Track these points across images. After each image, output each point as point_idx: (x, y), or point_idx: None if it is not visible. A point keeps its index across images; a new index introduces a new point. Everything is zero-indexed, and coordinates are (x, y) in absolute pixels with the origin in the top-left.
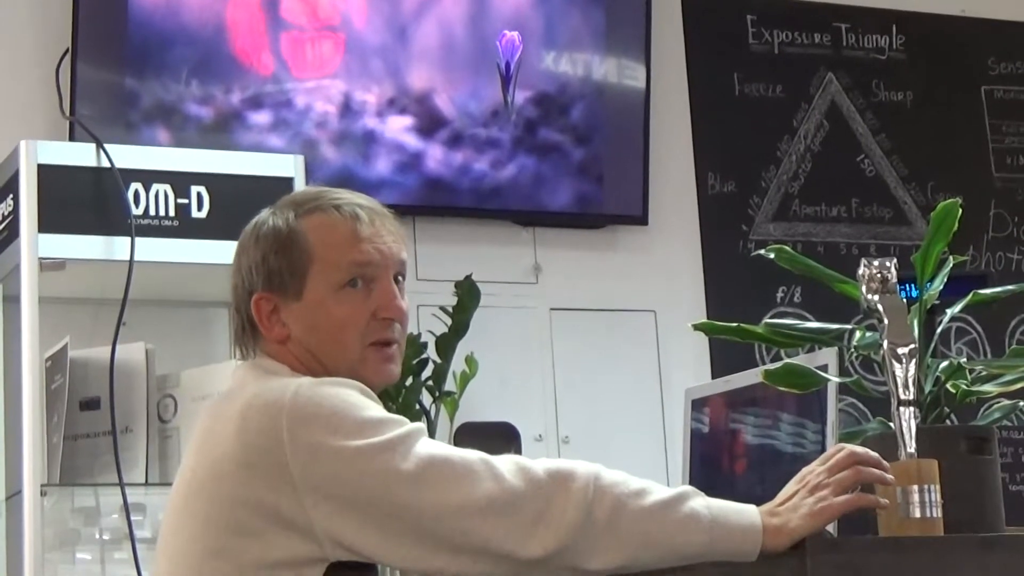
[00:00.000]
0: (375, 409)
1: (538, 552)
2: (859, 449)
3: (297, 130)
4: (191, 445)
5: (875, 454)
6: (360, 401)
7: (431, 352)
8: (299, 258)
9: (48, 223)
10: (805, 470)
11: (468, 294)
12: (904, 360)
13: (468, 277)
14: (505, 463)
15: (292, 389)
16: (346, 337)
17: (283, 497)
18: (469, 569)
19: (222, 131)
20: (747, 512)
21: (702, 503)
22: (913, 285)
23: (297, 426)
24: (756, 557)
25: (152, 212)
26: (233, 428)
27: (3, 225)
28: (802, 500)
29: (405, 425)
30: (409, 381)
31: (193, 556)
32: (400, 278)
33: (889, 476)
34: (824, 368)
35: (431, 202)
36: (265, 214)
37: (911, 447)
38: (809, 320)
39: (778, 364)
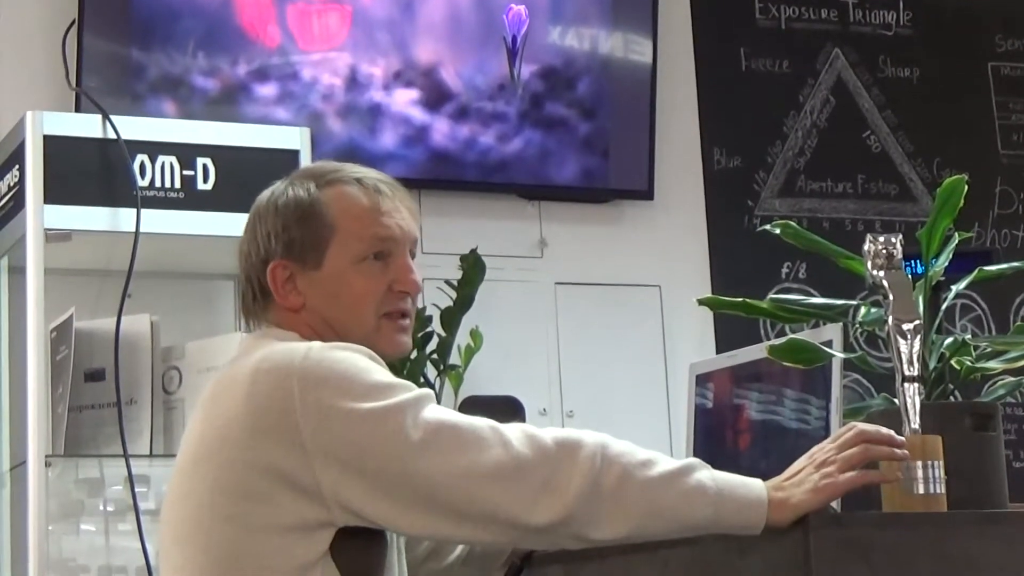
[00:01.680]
0: (384, 374)
1: (545, 519)
2: (869, 427)
3: (303, 103)
4: (196, 413)
5: (887, 430)
6: (369, 366)
7: (436, 325)
8: (321, 228)
9: (54, 194)
10: (815, 448)
11: (473, 268)
12: (909, 336)
13: (473, 251)
14: (513, 431)
15: (302, 352)
16: (363, 308)
17: (293, 460)
18: (476, 535)
19: (228, 103)
20: (753, 485)
21: (708, 475)
22: (918, 261)
23: (308, 388)
24: (761, 530)
25: (158, 184)
26: (242, 392)
27: (9, 196)
28: (808, 476)
29: (414, 390)
30: (414, 354)
31: (202, 521)
32: (412, 254)
33: (900, 451)
34: (829, 344)
35: (437, 175)
36: (281, 185)
37: (915, 423)
38: (814, 296)
39: (783, 339)
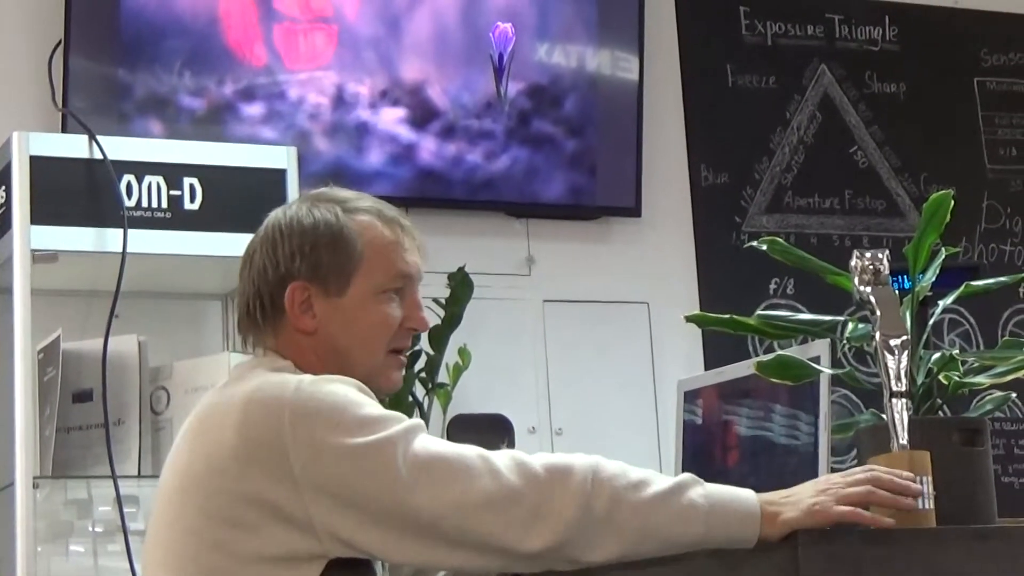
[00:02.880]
0: (375, 406)
1: (537, 546)
2: (884, 473)
3: (290, 122)
4: (183, 437)
5: (904, 481)
6: (359, 398)
7: (424, 344)
8: (350, 255)
9: (40, 215)
10: (824, 477)
11: (461, 286)
12: (896, 352)
13: (461, 269)
14: (503, 459)
15: (294, 384)
16: (377, 341)
17: (283, 492)
18: (468, 564)
19: (215, 123)
20: (745, 499)
21: (700, 492)
22: (905, 277)
23: (299, 421)
24: (755, 544)
25: (145, 204)
26: (233, 421)
27: None
28: (805, 496)
29: (404, 422)
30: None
31: (189, 548)
32: None
33: (907, 500)
34: (817, 360)
35: (424, 194)
36: (301, 205)
37: (903, 439)
38: (802, 312)
39: (771, 356)
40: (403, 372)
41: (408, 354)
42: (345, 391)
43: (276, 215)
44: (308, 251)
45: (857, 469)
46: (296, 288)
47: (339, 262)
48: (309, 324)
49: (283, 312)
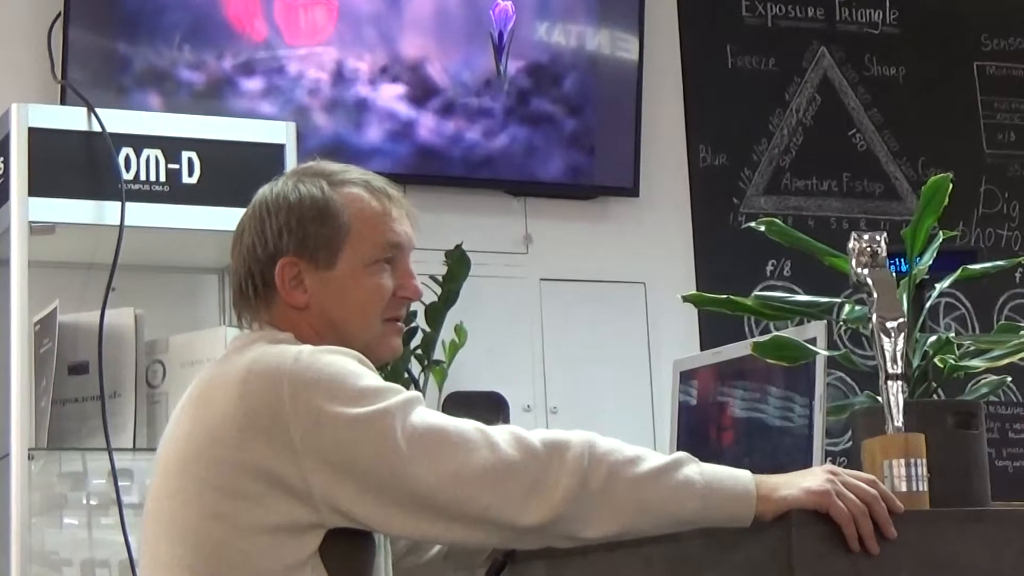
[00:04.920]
0: (374, 378)
1: (534, 520)
2: (888, 495)
3: (289, 97)
4: (182, 409)
5: (887, 513)
6: (359, 369)
7: (420, 321)
8: (336, 228)
9: (38, 187)
10: (829, 466)
11: (458, 263)
12: (893, 334)
13: (459, 246)
14: (501, 433)
15: (293, 355)
16: (370, 311)
17: (283, 462)
18: (466, 537)
19: (214, 97)
20: (740, 477)
21: (696, 469)
22: (903, 259)
23: (299, 391)
24: (751, 522)
25: (143, 177)
26: (233, 392)
27: None
28: (810, 477)
29: (402, 393)
30: None
31: (189, 519)
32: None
33: (889, 530)
34: (813, 341)
35: (422, 171)
36: (287, 181)
37: (898, 421)
38: (799, 293)
39: (767, 337)
40: (400, 338)
41: (404, 329)
42: (344, 362)
43: (263, 192)
44: (295, 226)
45: (865, 475)
46: (286, 264)
47: (326, 235)
48: (301, 299)
49: (275, 289)
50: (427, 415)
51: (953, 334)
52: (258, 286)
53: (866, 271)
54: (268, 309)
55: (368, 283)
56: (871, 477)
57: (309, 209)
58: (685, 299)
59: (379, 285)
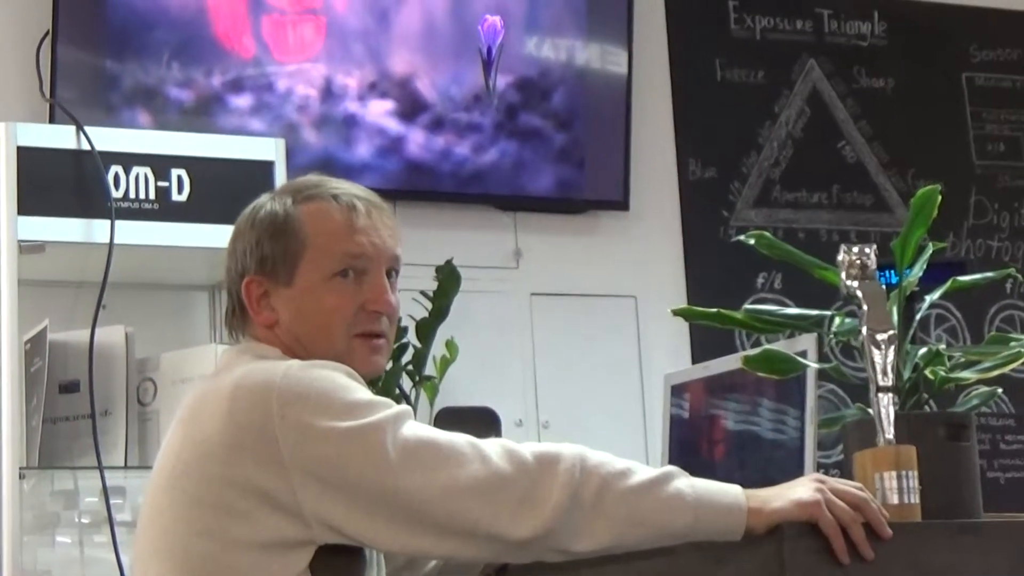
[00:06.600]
0: (363, 392)
1: (526, 533)
2: (878, 510)
3: (278, 113)
4: (174, 426)
5: (874, 531)
6: (348, 383)
7: (411, 337)
8: (293, 244)
9: (28, 205)
10: (816, 475)
11: (449, 279)
12: (883, 346)
13: (449, 262)
14: (492, 446)
15: (282, 370)
16: (332, 326)
17: (272, 477)
18: (457, 551)
19: (203, 114)
20: (730, 491)
21: (686, 483)
22: (893, 271)
23: (287, 406)
24: (741, 536)
25: (132, 195)
26: (222, 408)
27: None
28: (799, 488)
29: (393, 407)
30: (389, 365)
31: (179, 535)
32: (393, 273)
33: (866, 551)
34: (803, 354)
35: (412, 186)
36: (264, 199)
37: (889, 433)
38: (789, 306)
39: (758, 350)
40: (380, 356)
41: (396, 345)
42: (334, 376)
43: (243, 212)
44: (255, 245)
45: (853, 484)
46: (250, 283)
47: (283, 251)
48: (269, 317)
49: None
50: (417, 428)
51: (944, 346)
52: (236, 306)
53: (856, 283)
54: (250, 328)
55: (327, 298)
56: (858, 484)
57: (268, 227)
58: (676, 313)
59: (338, 299)
